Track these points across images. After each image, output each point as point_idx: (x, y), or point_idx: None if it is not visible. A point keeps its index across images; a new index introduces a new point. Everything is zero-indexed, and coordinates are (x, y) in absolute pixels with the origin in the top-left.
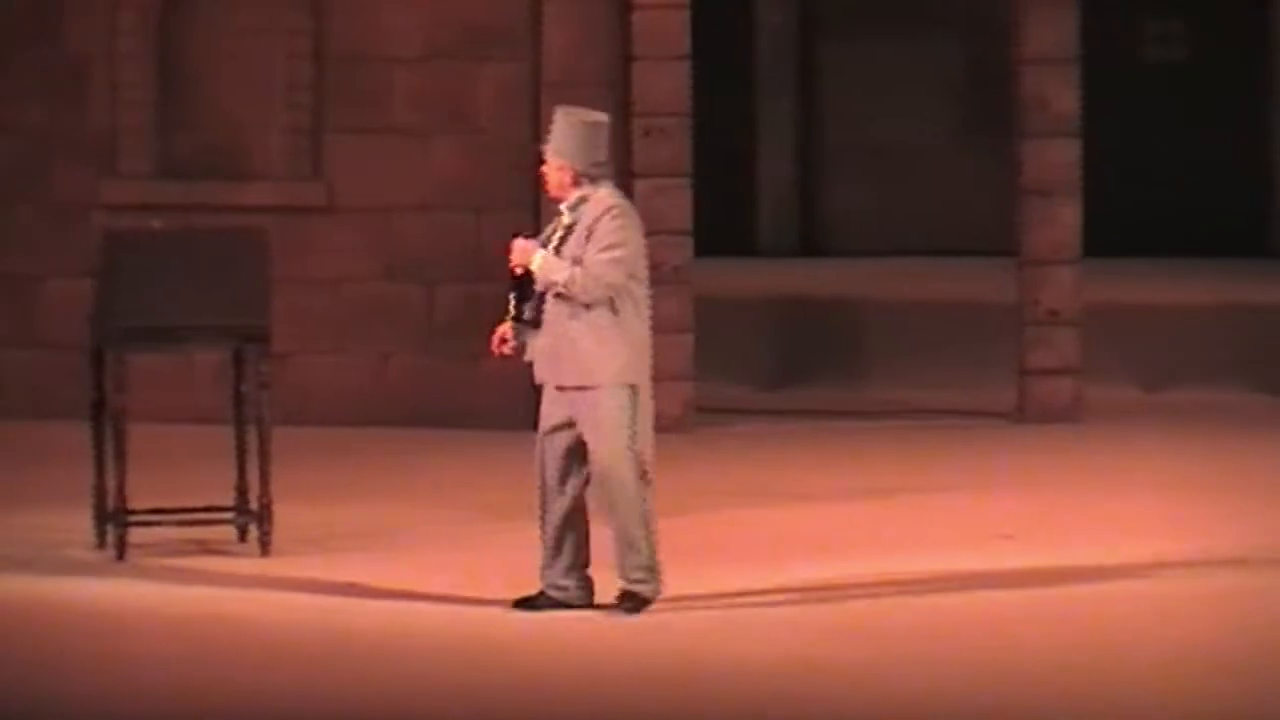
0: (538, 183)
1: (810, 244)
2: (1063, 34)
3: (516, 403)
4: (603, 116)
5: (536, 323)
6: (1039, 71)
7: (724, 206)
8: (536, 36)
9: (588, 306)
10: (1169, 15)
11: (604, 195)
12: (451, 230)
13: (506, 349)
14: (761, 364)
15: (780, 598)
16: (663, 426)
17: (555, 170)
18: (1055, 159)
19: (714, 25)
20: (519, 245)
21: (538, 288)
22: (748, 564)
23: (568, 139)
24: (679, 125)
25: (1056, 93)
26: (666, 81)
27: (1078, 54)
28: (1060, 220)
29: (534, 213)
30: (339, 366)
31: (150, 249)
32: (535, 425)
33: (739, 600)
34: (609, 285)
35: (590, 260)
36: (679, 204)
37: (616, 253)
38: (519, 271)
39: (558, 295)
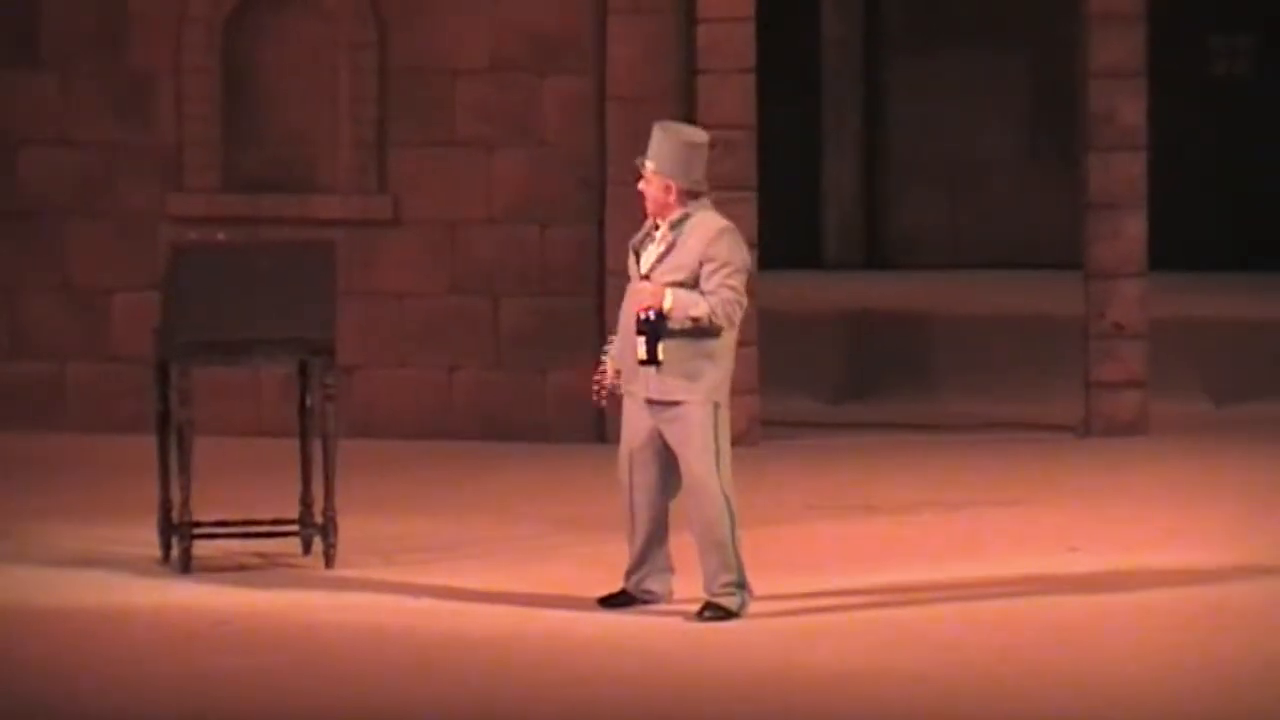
0: (603, 196)
1: (876, 257)
2: (1130, 47)
3: (584, 416)
4: (704, 135)
5: (667, 362)
6: (1106, 85)
7: (790, 220)
8: (602, 49)
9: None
10: (1235, 30)
11: (710, 216)
12: (517, 243)
13: (605, 395)
14: (827, 377)
15: (847, 608)
16: (729, 443)
17: (659, 188)
18: (1122, 172)
19: (780, 38)
20: (646, 289)
21: (673, 325)
22: (814, 575)
23: (671, 156)
24: (745, 138)
25: (1124, 106)
26: (732, 95)
27: (1145, 67)
28: (1126, 233)
29: (599, 226)
30: (405, 380)
31: (216, 262)
32: (602, 438)
33: (806, 610)
34: (742, 307)
35: (718, 285)
36: (745, 217)
37: (744, 275)
38: (647, 315)
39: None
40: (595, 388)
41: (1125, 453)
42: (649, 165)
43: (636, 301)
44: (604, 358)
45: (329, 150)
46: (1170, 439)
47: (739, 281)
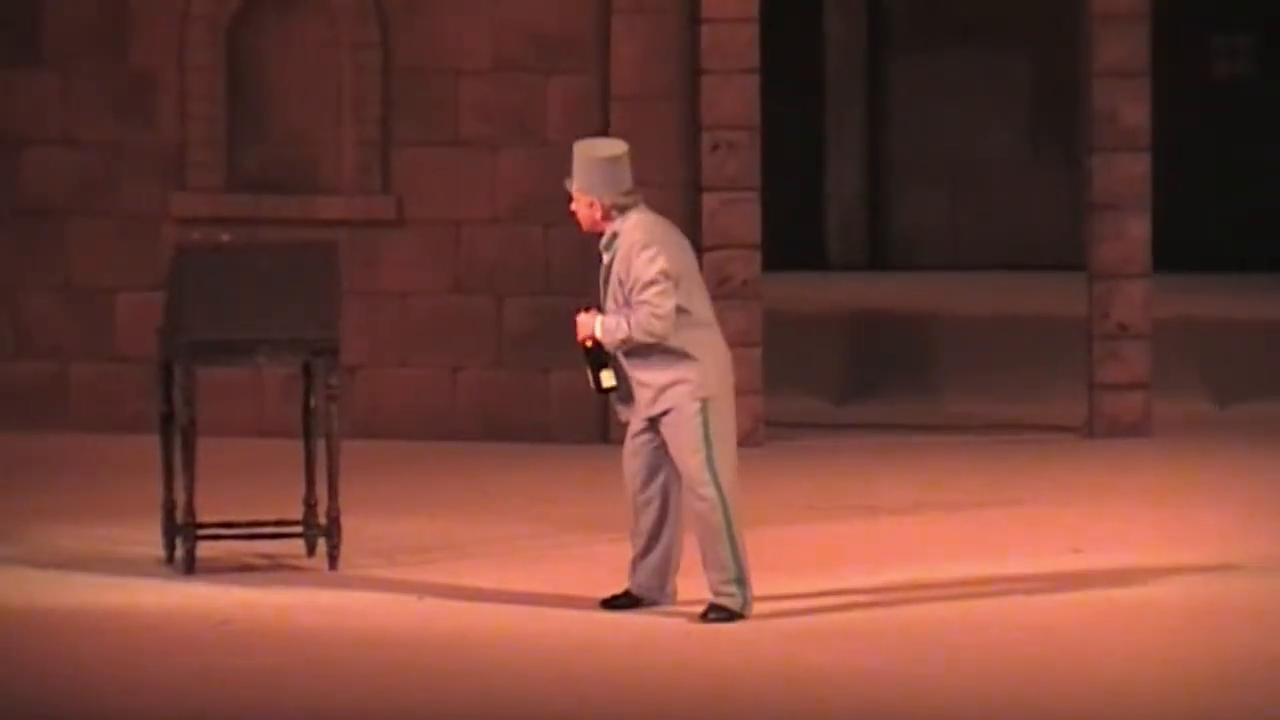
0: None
1: (879, 258)
2: (1133, 47)
3: (586, 416)
4: (622, 146)
5: (620, 387)
6: (1109, 85)
7: (793, 220)
8: (605, 49)
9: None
10: (1237, 31)
11: (630, 228)
12: (520, 243)
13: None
14: (831, 378)
15: (849, 608)
16: (726, 437)
17: (584, 207)
18: (1125, 172)
19: (783, 38)
20: (581, 320)
21: (611, 350)
22: (816, 575)
23: (591, 174)
24: (748, 139)
25: (1126, 106)
26: (735, 95)
27: (1148, 67)
28: (1129, 234)
29: None
30: (408, 379)
31: (220, 262)
32: (605, 438)
33: (807, 610)
34: (665, 317)
35: (636, 304)
36: (748, 217)
37: (659, 285)
38: (589, 344)
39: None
40: None
41: (1128, 454)
42: (572, 186)
43: (577, 335)
44: None
45: (332, 150)
46: (1173, 440)
47: (652, 294)
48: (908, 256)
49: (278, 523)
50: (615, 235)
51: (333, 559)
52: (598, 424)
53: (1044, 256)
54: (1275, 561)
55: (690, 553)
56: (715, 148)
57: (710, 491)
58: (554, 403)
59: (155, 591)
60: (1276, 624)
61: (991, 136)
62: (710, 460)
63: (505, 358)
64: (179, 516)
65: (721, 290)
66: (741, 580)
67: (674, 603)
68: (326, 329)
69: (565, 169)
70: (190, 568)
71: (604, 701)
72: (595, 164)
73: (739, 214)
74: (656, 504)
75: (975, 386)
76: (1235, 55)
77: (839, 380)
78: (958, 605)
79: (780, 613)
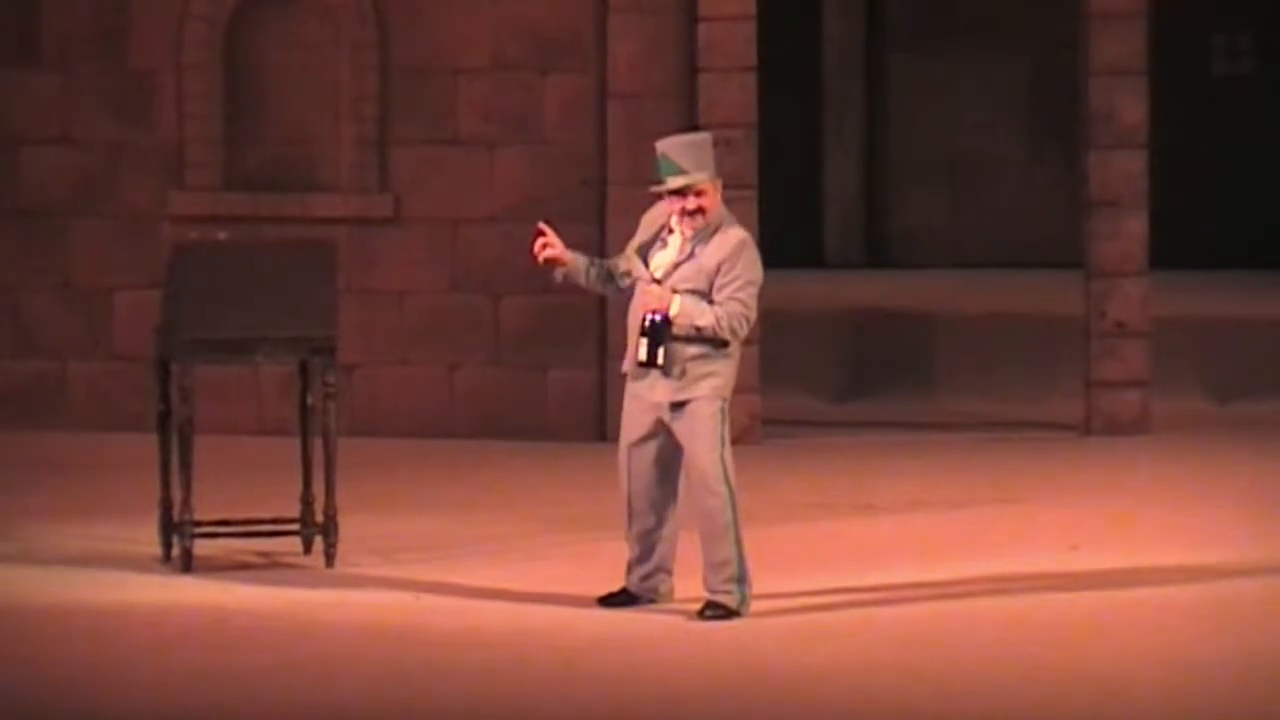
0: (603, 195)
1: (877, 256)
2: (1131, 45)
3: (584, 415)
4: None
5: (667, 366)
6: (1107, 83)
7: (790, 218)
8: (602, 47)
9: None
10: (1236, 28)
11: (734, 228)
12: (518, 242)
13: (549, 253)
14: (828, 376)
15: (847, 606)
16: (730, 438)
17: (715, 191)
18: (1123, 171)
19: (781, 37)
20: (655, 292)
21: (677, 331)
22: (814, 574)
23: (709, 158)
24: (745, 137)
25: (1124, 104)
26: (733, 93)
27: (1146, 65)
28: (1127, 232)
29: (599, 225)
30: (405, 378)
31: (218, 261)
32: (602, 436)
33: (806, 609)
34: (751, 322)
35: (729, 298)
36: (745, 216)
37: (756, 289)
38: (652, 318)
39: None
40: (540, 248)
41: (1127, 452)
42: (700, 177)
43: (644, 304)
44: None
45: (330, 149)
46: (1172, 438)
47: (749, 295)
48: (906, 255)
49: (275, 520)
50: (713, 230)
51: (330, 557)
52: (595, 422)
53: (1043, 255)
54: (1275, 560)
55: (688, 552)
56: (713, 145)
57: (722, 488)
58: (551, 401)
59: (153, 589)
60: (1276, 624)
61: (990, 135)
62: (724, 458)
63: (503, 356)
64: (176, 514)
65: None
66: (742, 579)
67: (671, 601)
68: (324, 327)
69: (646, 149)
70: (187, 565)
71: (602, 699)
72: (705, 146)
73: (737, 212)
74: (655, 509)
75: (973, 385)
76: (1235, 53)
77: (837, 378)
78: (956, 604)
79: (777, 611)
